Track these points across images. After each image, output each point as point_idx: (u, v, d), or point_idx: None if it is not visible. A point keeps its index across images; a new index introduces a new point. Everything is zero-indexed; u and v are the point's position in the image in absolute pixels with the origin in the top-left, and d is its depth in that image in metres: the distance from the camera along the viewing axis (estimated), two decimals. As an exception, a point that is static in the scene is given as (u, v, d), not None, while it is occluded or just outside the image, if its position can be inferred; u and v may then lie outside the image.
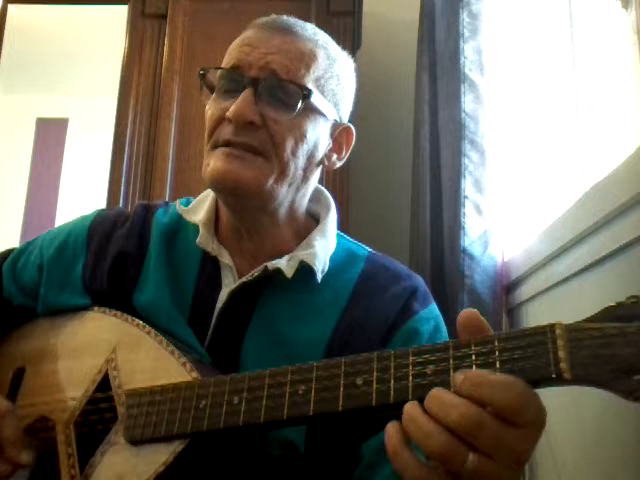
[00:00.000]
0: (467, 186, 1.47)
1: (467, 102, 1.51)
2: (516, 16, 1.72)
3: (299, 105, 0.83)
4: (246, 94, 0.81)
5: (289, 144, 0.83)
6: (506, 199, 1.52)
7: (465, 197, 1.46)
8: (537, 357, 0.54)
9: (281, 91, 0.83)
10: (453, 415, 0.51)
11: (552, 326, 0.55)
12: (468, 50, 1.54)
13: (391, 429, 0.55)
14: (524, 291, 1.36)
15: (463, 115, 1.50)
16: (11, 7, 2.33)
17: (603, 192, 0.96)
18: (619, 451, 0.90)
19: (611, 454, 0.93)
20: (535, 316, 1.32)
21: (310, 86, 0.84)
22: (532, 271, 1.29)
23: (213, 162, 0.82)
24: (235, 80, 0.84)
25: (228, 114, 0.81)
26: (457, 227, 1.46)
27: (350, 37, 1.90)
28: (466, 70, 1.53)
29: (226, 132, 0.82)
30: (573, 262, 1.07)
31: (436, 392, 0.54)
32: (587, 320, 0.55)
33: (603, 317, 0.54)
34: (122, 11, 2.07)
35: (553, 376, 0.53)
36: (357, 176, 1.93)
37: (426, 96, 1.68)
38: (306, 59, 0.85)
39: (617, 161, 0.92)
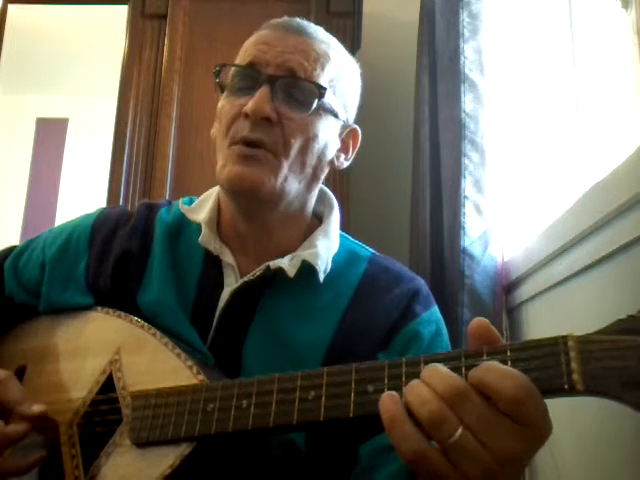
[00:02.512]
0: (467, 186, 1.47)
1: (467, 102, 1.51)
2: (516, 16, 1.72)
3: (314, 104, 0.84)
4: (263, 91, 0.82)
5: (302, 142, 0.84)
6: (506, 199, 1.52)
7: (465, 197, 1.46)
8: (549, 368, 0.54)
9: (298, 90, 0.84)
10: (445, 382, 0.54)
11: (564, 337, 0.55)
12: (468, 50, 1.54)
13: (388, 400, 0.56)
14: (524, 291, 1.36)
15: (463, 115, 1.50)
16: (11, 7, 2.33)
17: (603, 192, 0.96)
18: (619, 451, 0.91)
19: (611, 454, 0.93)
20: (535, 316, 1.32)
21: (324, 86, 0.85)
22: (532, 271, 1.29)
23: (229, 166, 0.83)
24: (251, 77, 0.85)
25: (245, 109, 0.82)
26: (457, 227, 1.46)
27: (350, 37, 1.90)
28: (466, 70, 1.53)
29: (243, 128, 0.83)
30: (573, 262, 1.07)
31: (432, 365, 0.56)
32: (598, 332, 0.56)
33: (614, 329, 0.55)
34: (122, 11, 2.07)
35: (565, 387, 0.53)
36: (357, 176, 1.93)
37: (426, 96, 1.68)
38: (321, 60, 0.86)
39: (617, 161, 0.92)
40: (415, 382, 0.56)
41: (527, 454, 0.54)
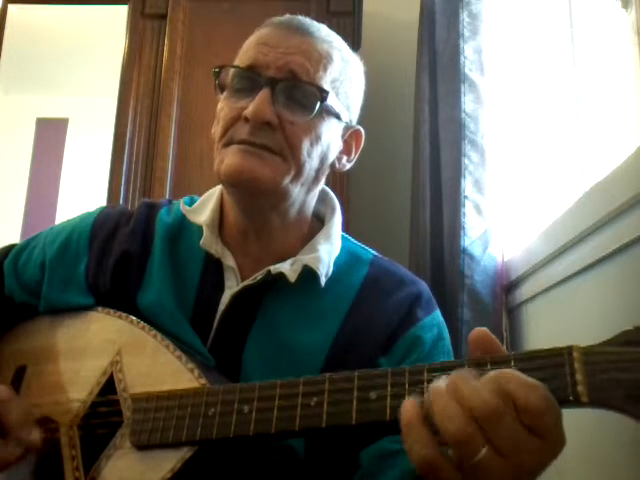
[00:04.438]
0: (467, 186, 1.47)
1: (467, 102, 1.51)
2: (516, 16, 1.72)
3: (316, 107, 0.83)
4: (264, 94, 0.81)
5: (305, 146, 0.83)
6: (506, 199, 1.52)
7: (465, 197, 1.46)
8: (554, 379, 0.54)
9: (299, 92, 0.83)
10: (478, 400, 0.51)
11: (569, 348, 0.54)
12: (468, 50, 1.54)
13: (408, 404, 0.54)
14: (524, 291, 1.36)
15: (463, 115, 1.50)
16: (11, 7, 2.33)
17: (603, 192, 0.96)
18: (619, 452, 0.91)
19: (611, 455, 0.93)
20: (535, 316, 1.32)
21: (327, 88, 0.84)
22: (532, 271, 1.29)
23: (229, 158, 0.82)
24: (251, 79, 0.83)
25: (246, 113, 0.81)
26: (457, 227, 1.46)
27: (350, 37, 1.89)
28: (466, 70, 1.53)
29: (242, 131, 0.82)
30: (573, 262, 1.07)
31: (463, 375, 0.53)
32: (603, 343, 0.55)
33: (619, 341, 0.54)
34: (122, 11, 2.07)
35: (571, 398, 0.53)
36: (357, 176, 1.93)
37: (426, 96, 1.68)
38: (324, 61, 0.85)
39: (617, 161, 0.92)
40: (442, 392, 0.52)
41: (542, 466, 0.53)
